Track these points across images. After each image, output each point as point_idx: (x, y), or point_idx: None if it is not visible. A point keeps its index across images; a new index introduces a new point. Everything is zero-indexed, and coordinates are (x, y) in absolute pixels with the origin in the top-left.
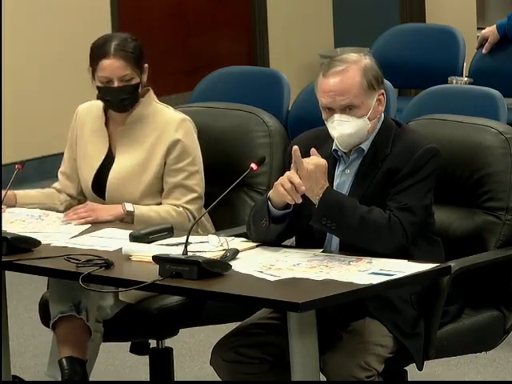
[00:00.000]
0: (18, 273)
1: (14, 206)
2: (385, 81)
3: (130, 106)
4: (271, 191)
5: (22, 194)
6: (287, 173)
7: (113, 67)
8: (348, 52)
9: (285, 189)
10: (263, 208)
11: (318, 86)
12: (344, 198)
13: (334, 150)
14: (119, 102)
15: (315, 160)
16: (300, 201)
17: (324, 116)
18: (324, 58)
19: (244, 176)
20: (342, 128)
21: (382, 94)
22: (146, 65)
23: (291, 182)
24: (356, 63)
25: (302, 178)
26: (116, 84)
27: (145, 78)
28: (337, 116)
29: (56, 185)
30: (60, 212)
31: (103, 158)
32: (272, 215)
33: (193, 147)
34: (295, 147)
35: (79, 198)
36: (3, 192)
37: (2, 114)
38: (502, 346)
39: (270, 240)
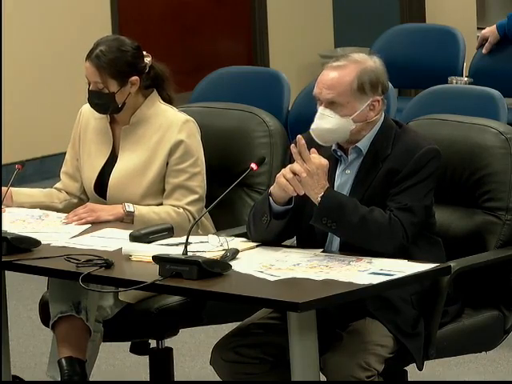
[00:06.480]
0: (18, 273)
1: (10, 205)
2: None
3: (107, 111)
4: (272, 186)
5: (18, 191)
6: (289, 165)
7: (88, 71)
8: (356, 52)
9: (287, 179)
10: (264, 204)
11: (319, 76)
12: (345, 198)
13: (334, 150)
14: (93, 104)
15: (318, 159)
16: (302, 192)
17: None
18: (324, 58)
19: (244, 176)
20: (321, 122)
21: (378, 101)
22: (135, 77)
23: (293, 172)
24: (356, 63)
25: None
26: (90, 87)
27: (131, 89)
28: (320, 109)
29: (57, 185)
30: (59, 210)
31: (106, 157)
32: (273, 211)
33: (196, 148)
34: (299, 136)
35: (81, 197)
36: (3, 190)
37: (2, 114)
38: (502, 346)
39: (270, 238)
